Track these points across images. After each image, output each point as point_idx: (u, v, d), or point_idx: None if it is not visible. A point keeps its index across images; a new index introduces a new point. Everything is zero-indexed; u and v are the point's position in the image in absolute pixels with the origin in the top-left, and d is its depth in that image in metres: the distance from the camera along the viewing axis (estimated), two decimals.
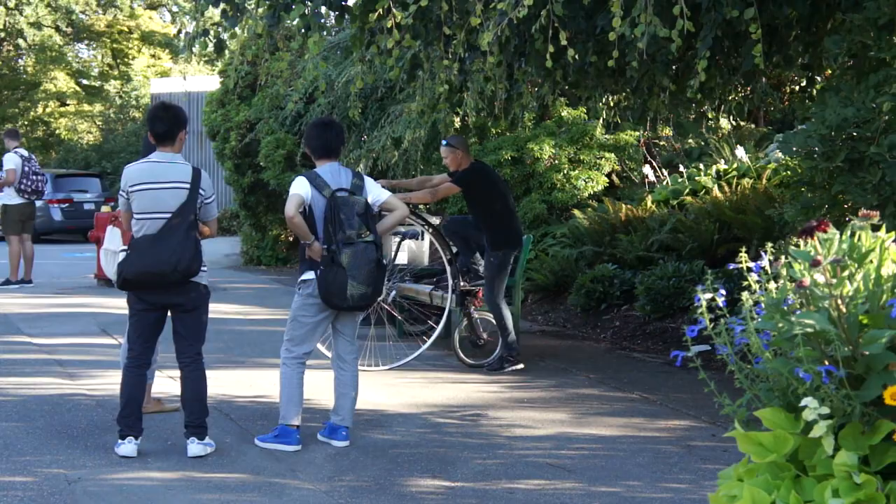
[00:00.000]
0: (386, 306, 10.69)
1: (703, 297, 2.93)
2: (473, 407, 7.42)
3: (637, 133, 13.54)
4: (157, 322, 6.01)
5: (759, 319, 2.75)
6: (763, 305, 2.76)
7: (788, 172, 9.81)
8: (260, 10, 6.66)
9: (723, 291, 2.96)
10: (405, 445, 6.33)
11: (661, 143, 14.63)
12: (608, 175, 13.39)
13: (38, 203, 21.70)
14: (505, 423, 6.91)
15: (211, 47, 6.93)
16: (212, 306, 10.70)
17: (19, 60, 42.32)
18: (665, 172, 13.54)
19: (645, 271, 10.81)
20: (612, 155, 13.36)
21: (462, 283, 9.06)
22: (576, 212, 12.51)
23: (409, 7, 6.29)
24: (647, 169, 13.14)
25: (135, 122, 34.12)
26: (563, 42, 5.85)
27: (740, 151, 12.73)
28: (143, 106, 34.55)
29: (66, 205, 24.04)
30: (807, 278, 2.61)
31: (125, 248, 5.98)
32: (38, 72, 39.75)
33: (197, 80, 25.37)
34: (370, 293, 6.14)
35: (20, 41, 40.66)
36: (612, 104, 9.91)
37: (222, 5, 6.61)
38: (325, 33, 6.62)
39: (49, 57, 40.11)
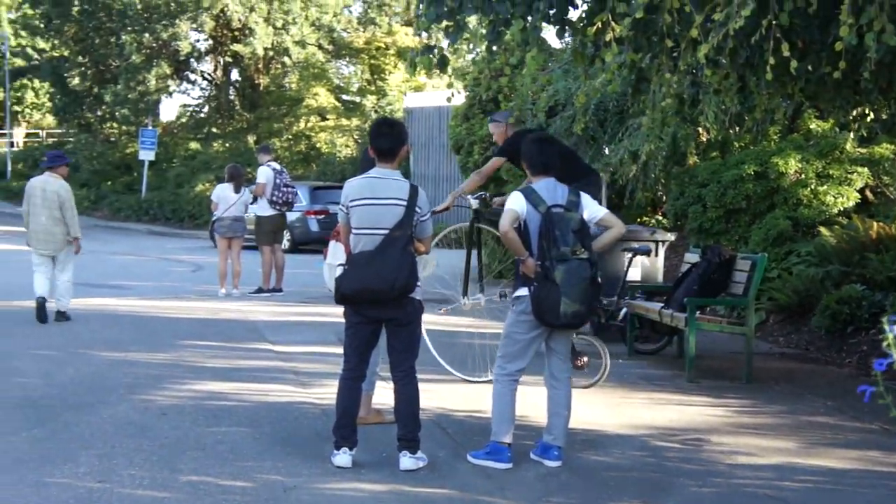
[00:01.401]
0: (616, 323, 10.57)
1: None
2: (695, 431, 7.20)
3: (893, 146, 12.81)
4: (373, 335, 6.15)
5: None
6: None
7: None
8: (481, 26, 6.71)
9: None
10: (619, 468, 6.22)
11: None
12: (860, 191, 12.72)
13: (297, 214, 22.81)
14: (727, 450, 6.67)
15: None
16: (444, 319, 10.98)
17: (285, 77, 44.49)
18: None
19: None
20: (866, 169, 12.68)
21: None
22: (822, 229, 11.94)
23: (627, 19, 6.18)
24: None
25: None
26: (786, 53, 5.59)
27: None
28: None
29: (323, 216, 24.94)
30: None
31: (344, 263, 6.14)
32: (301, 88, 41.65)
33: (444, 94, 25.84)
34: (584, 311, 6.07)
35: (286, 59, 42.77)
36: (856, 116, 9.40)
37: (444, 22, 6.70)
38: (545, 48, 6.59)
39: (312, 74, 41.96)
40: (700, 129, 13.52)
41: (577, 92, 13.83)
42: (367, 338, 6.13)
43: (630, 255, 10.74)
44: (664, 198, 15.28)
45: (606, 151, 14.58)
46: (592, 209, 6.27)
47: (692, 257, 10.17)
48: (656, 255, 11.26)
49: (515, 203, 6.14)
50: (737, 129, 9.47)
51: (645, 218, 16.30)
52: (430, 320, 9.53)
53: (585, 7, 7.10)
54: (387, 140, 6.15)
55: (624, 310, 10.47)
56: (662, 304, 9.69)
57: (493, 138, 9.05)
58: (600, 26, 6.40)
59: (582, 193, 6.32)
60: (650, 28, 6.76)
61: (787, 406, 8.04)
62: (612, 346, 10.55)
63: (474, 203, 8.55)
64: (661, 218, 16.10)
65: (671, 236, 11.75)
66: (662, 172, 13.96)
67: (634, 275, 11.01)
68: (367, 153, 6.34)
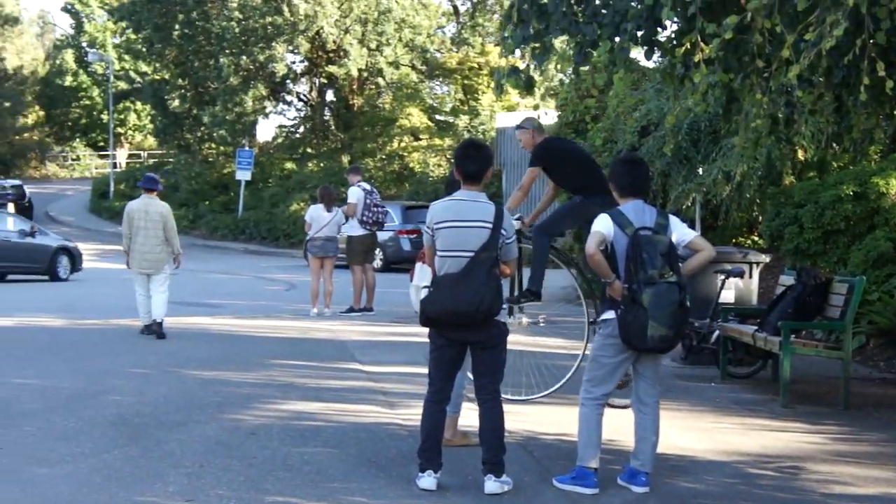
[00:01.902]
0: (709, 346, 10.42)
1: None
2: (790, 458, 7.04)
3: None
4: (457, 357, 6.13)
5: None
6: None
7: None
8: (568, 47, 6.68)
9: None
10: (709, 496, 6.10)
11: None
12: None
13: (389, 234, 22.96)
14: (822, 479, 6.51)
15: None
16: (536, 340, 10.94)
17: (379, 98, 44.92)
18: None
19: None
20: None
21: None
22: None
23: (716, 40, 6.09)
24: None
25: None
26: (881, 72, 5.46)
27: None
28: (489, 140, 35.63)
29: (415, 235, 25.07)
30: None
31: (429, 285, 6.15)
32: (394, 108, 41.99)
33: (534, 114, 25.80)
34: (671, 336, 5.97)
35: (380, 80, 43.19)
36: None
37: (531, 44, 6.69)
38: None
39: (405, 94, 42.30)
40: (797, 149, 13.27)
41: (668, 112, 13.72)
42: (452, 360, 6.12)
43: (723, 276, 10.60)
44: (759, 218, 15.03)
45: (700, 171, 14.40)
46: (681, 232, 6.18)
47: (787, 279, 9.97)
48: (750, 276, 11.07)
49: (602, 225, 6.09)
50: (835, 148, 9.22)
51: (740, 239, 16.05)
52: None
53: (674, 28, 7.02)
54: (473, 163, 6.15)
55: (716, 332, 10.32)
56: (756, 328, 9.51)
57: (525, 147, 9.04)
58: (689, 47, 6.32)
59: (671, 216, 6.23)
60: (741, 48, 6.66)
61: (889, 434, 7.83)
62: (704, 370, 10.46)
63: (517, 224, 8.61)
64: (756, 239, 15.84)
65: (765, 258, 11.55)
66: (757, 192, 13.72)
67: (727, 297, 10.84)
68: (452, 175, 6.34)
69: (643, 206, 6.16)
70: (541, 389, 8.83)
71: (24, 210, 39.41)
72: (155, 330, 12.48)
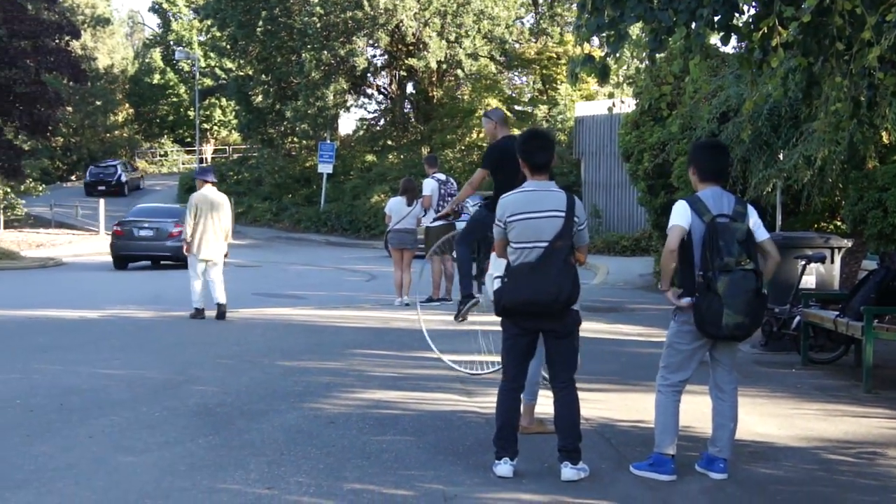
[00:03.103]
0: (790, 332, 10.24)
1: None
2: (871, 444, 6.88)
3: None
4: (530, 346, 6.09)
5: None
6: None
7: None
8: (643, 34, 6.57)
9: None
10: (788, 482, 5.98)
11: None
12: None
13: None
14: None
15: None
16: (612, 327, 10.77)
17: (458, 90, 44.93)
18: None
19: None
20: None
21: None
22: None
23: (794, 23, 5.94)
24: None
25: (560, 145, 35.04)
26: None
27: None
28: (567, 129, 35.41)
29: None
30: None
31: (501, 275, 6.10)
32: (473, 99, 41.99)
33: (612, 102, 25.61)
34: (747, 323, 5.85)
35: (459, 71, 43.19)
36: None
37: (606, 32, 6.59)
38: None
39: (484, 85, 42.26)
40: (880, 132, 12.93)
41: (747, 98, 13.45)
42: (525, 349, 6.09)
43: (804, 262, 10.40)
44: (842, 203, 14.70)
45: (781, 157, 14.11)
46: (754, 228, 6.01)
47: (870, 264, 9.74)
48: (832, 261, 10.85)
49: (680, 217, 5.93)
50: None
51: (822, 224, 15.73)
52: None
53: (751, 12, 6.87)
54: (543, 154, 6.09)
55: (797, 318, 10.13)
56: (838, 313, 9.31)
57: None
58: (766, 31, 6.17)
59: (750, 206, 6.08)
60: (820, 31, 6.49)
61: None
62: (785, 356, 10.28)
63: (472, 210, 8.69)
64: (838, 223, 15.50)
65: (847, 242, 11.30)
66: (840, 177, 13.41)
67: (809, 282, 10.65)
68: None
69: (721, 193, 6.03)
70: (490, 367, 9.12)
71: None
72: (223, 312, 13.46)
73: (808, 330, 9.94)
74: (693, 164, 6.22)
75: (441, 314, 13.97)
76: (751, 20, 6.89)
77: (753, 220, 6.01)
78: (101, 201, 40.54)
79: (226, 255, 13.97)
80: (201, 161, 56.33)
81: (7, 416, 7.56)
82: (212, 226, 13.47)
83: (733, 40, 7.04)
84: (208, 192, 13.65)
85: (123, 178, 54.01)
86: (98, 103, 66.07)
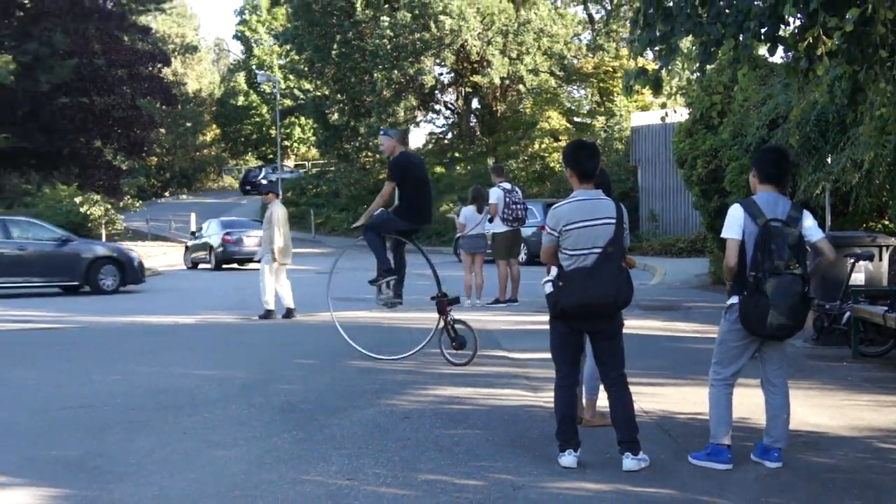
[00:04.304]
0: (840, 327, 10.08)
1: None
2: None
3: None
4: (578, 344, 6.12)
5: None
6: None
7: None
8: (693, 47, 6.51)
9: None
10: (840, 470, 5.87)
11: None
12: None
13: (532, 229, 22.84)
14: None
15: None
16: (669, 325, 10.65)
17: (520, 103, 44.88)
18: None
19: None
20: None
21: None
22: None
23: (838, 33, 5.84)
24: None
25: (617, 154, 34.84)
26: None
27: None
28: (624, 138, 35.18)
29: None
30: None
31: (551, 279, 6.09)
32: (535, 112, 41.89)
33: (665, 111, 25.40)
34: (791, 325, 5.76)
35: (521, 86, 43.15)
36: None
37: (658, 46, 6.55)
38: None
39: (544, 99, 42.14)
40: None
41: (795, 104, 13.24)
42: (575, 347, 6.10)
43: (852, 260, 10.24)
44: (889, 203, 14.40)
45: (829, 161, 13.87)
46: (810, 230, 5.92)
47: None
48: (880, 259, 10.66)
49: (733, 229, 5.84)
50: None
51: (870, 223, 15.42)
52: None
53: (796, 23, 6.77)
54: (591, 162, 6.06)
55: (847, 314, 9.97)
56: (887, 308, 9.14)
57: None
58: (811, 41, 6.08)
59: (805, 211, 5.97)
60: (863, 40, 6.38)
61: None
62: (835, 350, 10.11)
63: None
64: (886, 223, 15.20)
65: (894, 241, 11.09)
66: (887, 178, 13.14)
67: (858, 279, 10.47)
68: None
69: (777, 198, 5.91)
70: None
71: None
72: (292, 313, 14.27)
73: (857, 325, 9.77)
74: (754, 166, 6.10)
75: (509, 315, 13.98)
76: (796, 31, 6.79)
77: (810, 222, 5.91)
78: (193, 215, 41.17)
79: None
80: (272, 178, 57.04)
81: (110, 414, 7.71)
82: (287, 235, 14.48)
83: (780, 50, 6.94)
84: (281, 204, 14.83)
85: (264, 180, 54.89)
86: (188, 125, 67.26)
